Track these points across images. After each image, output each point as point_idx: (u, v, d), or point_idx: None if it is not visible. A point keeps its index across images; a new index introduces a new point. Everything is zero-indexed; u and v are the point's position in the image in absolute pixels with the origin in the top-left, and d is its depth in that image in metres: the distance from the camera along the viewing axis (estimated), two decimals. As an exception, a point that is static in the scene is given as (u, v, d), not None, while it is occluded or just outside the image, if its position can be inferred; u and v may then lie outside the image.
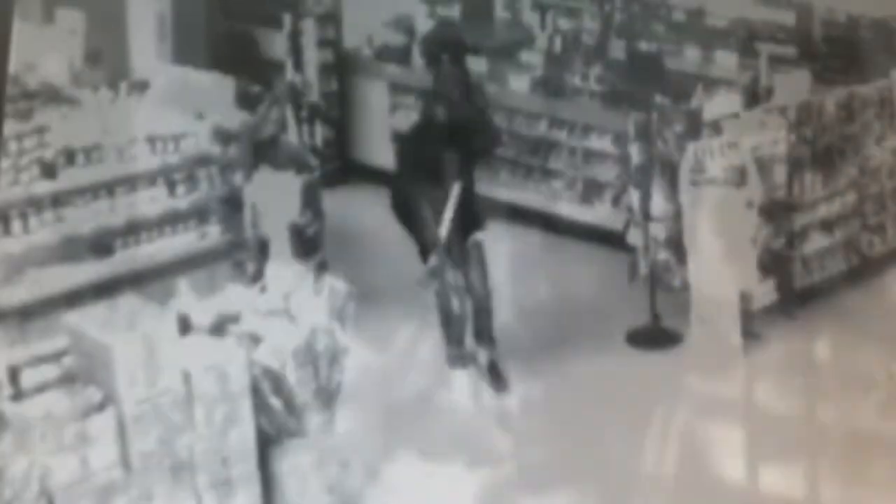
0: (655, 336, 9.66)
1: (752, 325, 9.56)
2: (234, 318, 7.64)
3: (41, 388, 7.03)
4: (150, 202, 9.08)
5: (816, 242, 10.18)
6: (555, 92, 11.62)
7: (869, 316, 9.47)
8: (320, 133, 12.19)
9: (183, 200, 9.21)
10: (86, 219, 8.79)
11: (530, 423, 8.47)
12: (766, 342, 9.51)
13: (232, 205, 9.30)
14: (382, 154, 12.46)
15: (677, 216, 9.74)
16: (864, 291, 10.09)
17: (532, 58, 11.84)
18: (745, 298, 9.56)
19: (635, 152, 9.99)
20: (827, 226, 10.25)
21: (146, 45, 10.41)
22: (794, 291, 9.96)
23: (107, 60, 9.84)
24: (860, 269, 10.36)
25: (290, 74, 12.19)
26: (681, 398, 8.78)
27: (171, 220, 9.14)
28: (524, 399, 8.73)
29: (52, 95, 9.17)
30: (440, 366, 9.24)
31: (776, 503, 7.58)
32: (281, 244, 8.87)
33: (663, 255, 9.82)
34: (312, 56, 12.22)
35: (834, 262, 10.29)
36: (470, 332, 9.22)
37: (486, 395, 8.83)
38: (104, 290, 8.54)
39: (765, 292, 9.71)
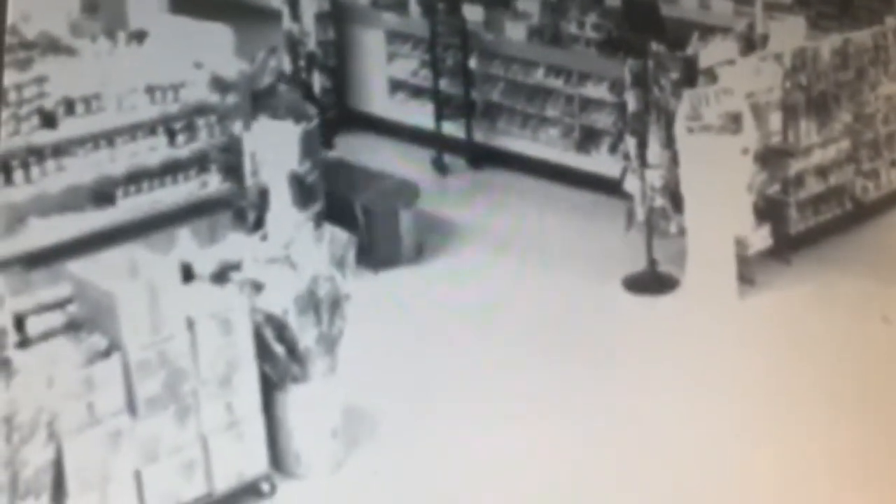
0: (652, 281, 9.74)
1: (748, 270, 9.61)
2: (236, 266, 7.71)
3: (47, 336, 7.11)
4: (151, 151, 9.10)
5: (811, 188, 10.22)
6: (551, 40, 11.61)
7: (863, 261, 9.54)
8: (318, 82, 12.20)
9: (183, 149, 9.23)
10: (87, 168, 8.81)
11: (529, 367, 8.54)
12: (761, 287, 9.57)
13: (232, 154, 9.32)
14: (379, 103, 12.48)
15: (673, 163, 9.77)
16: (858, 237, 10.15)
17: (528, 6, 11.81)
18: (740, 244, 9.61)
19: (631, 100, 9.99)
20: (822, 172, 10.28)
21: (143, -5, 10.37)
22: (789, 237, 10.01)
23: (104, 10, 9.81)
24: (854, 215, 10.41)
25: (287, 23, 12.17)
26: (677, 342, 8.86)
27: (172, 169, 9.17)
28: (522, 342, 8.81)
29: (51, 45, 9.15)
30: (440, 309, 9.32)
31: (768, 446, 7.66)
32: (281, 193, 8.89)
33: (660, 201, 9.86)
34: (310, 5, 12.19)
35: (828, 207, 10.34)
36: None
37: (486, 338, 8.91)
38: (107, 238, 8.59)
39: (760, 238, 9.76)
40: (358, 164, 10.60)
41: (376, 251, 9.83)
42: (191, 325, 7.20)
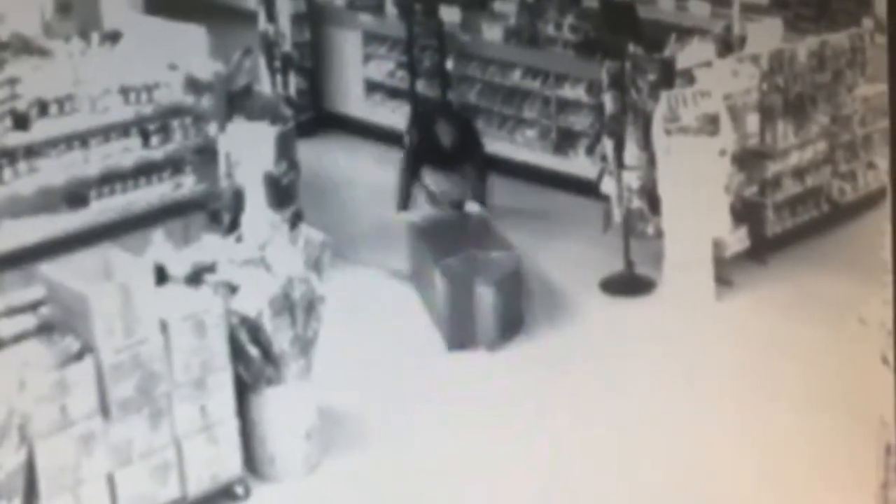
0: (629, 283, 9.73)
1: (725, 271, 9.62)
2: (211, 268, 7.67)
3: (18, 339, 7.05)
4: (124, 153, 9.05)
5: (788, 190, 10.25)
6: (528, 41, 11.60)
7: (839, 262, 9.54)
8: (293, 83, 12.16)
9: (157, 151, 9.19)
10: (60, 170, 8.76)
11: (505, 369, 8.52)
12: (738, 288, 9.58)
13: (206, 155, 9.28)
14: (356, 104, 12.44)
15: (651, 165, 9.77)
16: (834, 238, 10.17)
17: (505, 7, 11.80)
18: (717, 246, 9.62)
19: (609, 101, 9.99)
20: (799, 174, 10.31)
21: (117, -5, 10.32)
22: (766, 239, 10.03)
23: (77, 10, 9.75)
24: (831, 217, 10.44)
25: (262, 24, 12.13)
26: (654, 343, 8.85)
27: (146, 171, 9.12)
28: (499, 345, 8.80)
29: (24, 46, 9.11)
30: (416, 315, 9.29)
31: (745, 447, 7.66)
32: (256, 194, 8.84)
33: (637, 203, 9.86)
34: (285, 5, 12.15)
35: (805, 209, 10.37)
36: None
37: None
38: (80, 240, 8.54)
39: (737, 239, 9.77)
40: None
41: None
42: (165, 327, 7.16)
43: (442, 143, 9.92)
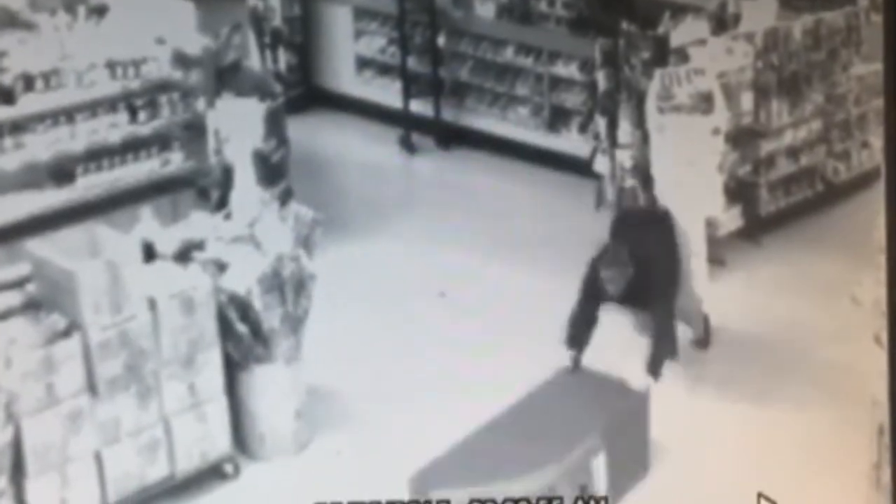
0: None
1: (718, 251, 9.59)
2: (199, 245, 7.63)
3: (5, 315, 7.02)
4: (111, 128, 8.96)
5: (782, 169, 10.22)
6: (521, 18, 11.52)
7: (833, 242, 9.52)
8: (283, 59, 12.07)
9: (145, 127, 9.10)
10: (46, 145, 8.67)
11: (498, 347, 8.48)
12: (731, 268, 9.55)
13: (195, 131, 9.20)
14: (346, 80, 12.36)
15: (644, 143, 9.73)
16: (828, 218, 10.14)
17: (498, -17, 11.73)
18: (710, 225, 9.56)
19: (602, 79, 9.95)
20: (793, 153, 10.27)
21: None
22: (759, 218, 10.00)
23: (64, -17, 9.64)
24: (825, 196, 10.41)
25: (252, -1, 12.05)
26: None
27: (133, 147, 9.04)
28: (491, 322, 8.75)
29: (9, 19, 8.99)
30: (408, 293, 9.25)
31: (738, 426, 7.66)
32: (245, 171, 8.77)
33: (630, 182, 9.82)
34: (275, -20, 12.07)
35: (799, 189, 10.33)
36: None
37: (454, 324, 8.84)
38: (66, 217, 8.46)
39: (730, 218, 9.75)
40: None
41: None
42: (153, 304, 7.11)
43: (608, 290, 7.87)
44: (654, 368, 7.70)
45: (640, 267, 7.83)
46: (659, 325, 7.89)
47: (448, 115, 11.75)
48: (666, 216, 8.47)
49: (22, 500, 6.68)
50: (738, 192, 9.84)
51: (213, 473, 7.36)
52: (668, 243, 8.35)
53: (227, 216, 8.00)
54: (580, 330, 7.81)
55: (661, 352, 7.80)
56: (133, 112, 9.04)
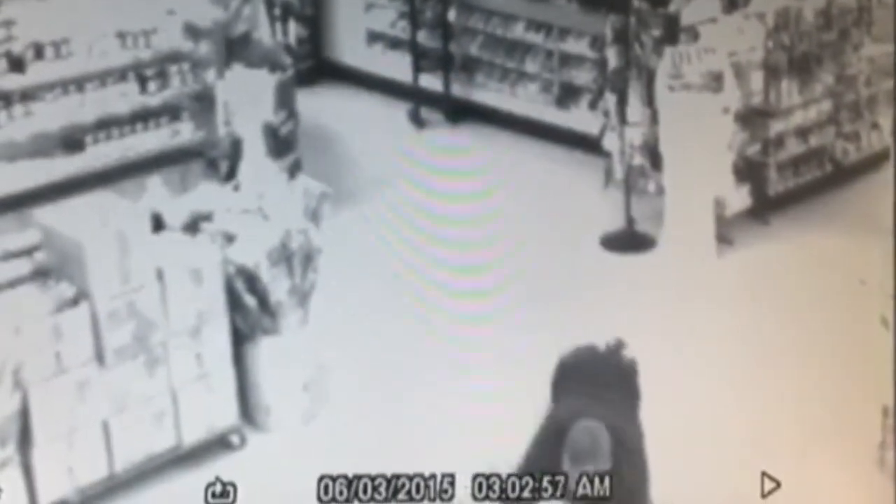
0: (629, 240, 9.68)
1: (726, 230, 9.59)
2: (208, 217, 7.62)
3: (13, 284, 7.01)
4: (121, 98, 8.94)
5: (791, 149, 10.19)
6: (532, -6, 11.50)
7: (841, 223, 9.52)
8: (294, 31, 12.04)
9: (154, 97, 9.08)
10: (55, 114, 8.65)
11: (504, 321, 8.48)
12: (739, 247, 9.55)
13: (204, 102, 9.18)
14: (357, 54, 12.33)
15: (653, 121, 9.72)
16: (837, 199, 10.13)
17: (509, -41, 11.69)
18: (719, 204, 9.58)
19: (612, 56, 9.92)
20: (802, 133, 10.25)
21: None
22: (768, 198, 9.99)
23: (75, -48, 9.61)
24: (834, 177, 10.39)
25: (263, -30, 12.00)
26: (653, 301, 8.81)
27: (143, 117, 9.02)
28: (498, 297, 8.75)
29: (20, -12, 8.97)
30: (414, 267, 9.24)
31: (744, 405, 7.66)
32: (255, 143, 8.76)
33: (638, 160, 9.82)
34: (286, -48, 12.02)
35: (808, 169, 10.32)
36: None
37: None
38: (75, 186, 8.45)
39: (739, 198, 9.73)
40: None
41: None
42: (161, 275, 7.11)
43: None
44: None
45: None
46: None
47: (457, 90, 11.73)
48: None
49: (29, 467, 6.70)
50: (747, 171, 9.82)
51: (219, 444, 7.37)
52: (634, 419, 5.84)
53: (236, 188, 7.99)
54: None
55: None
56: (143, 82, 9.02)
